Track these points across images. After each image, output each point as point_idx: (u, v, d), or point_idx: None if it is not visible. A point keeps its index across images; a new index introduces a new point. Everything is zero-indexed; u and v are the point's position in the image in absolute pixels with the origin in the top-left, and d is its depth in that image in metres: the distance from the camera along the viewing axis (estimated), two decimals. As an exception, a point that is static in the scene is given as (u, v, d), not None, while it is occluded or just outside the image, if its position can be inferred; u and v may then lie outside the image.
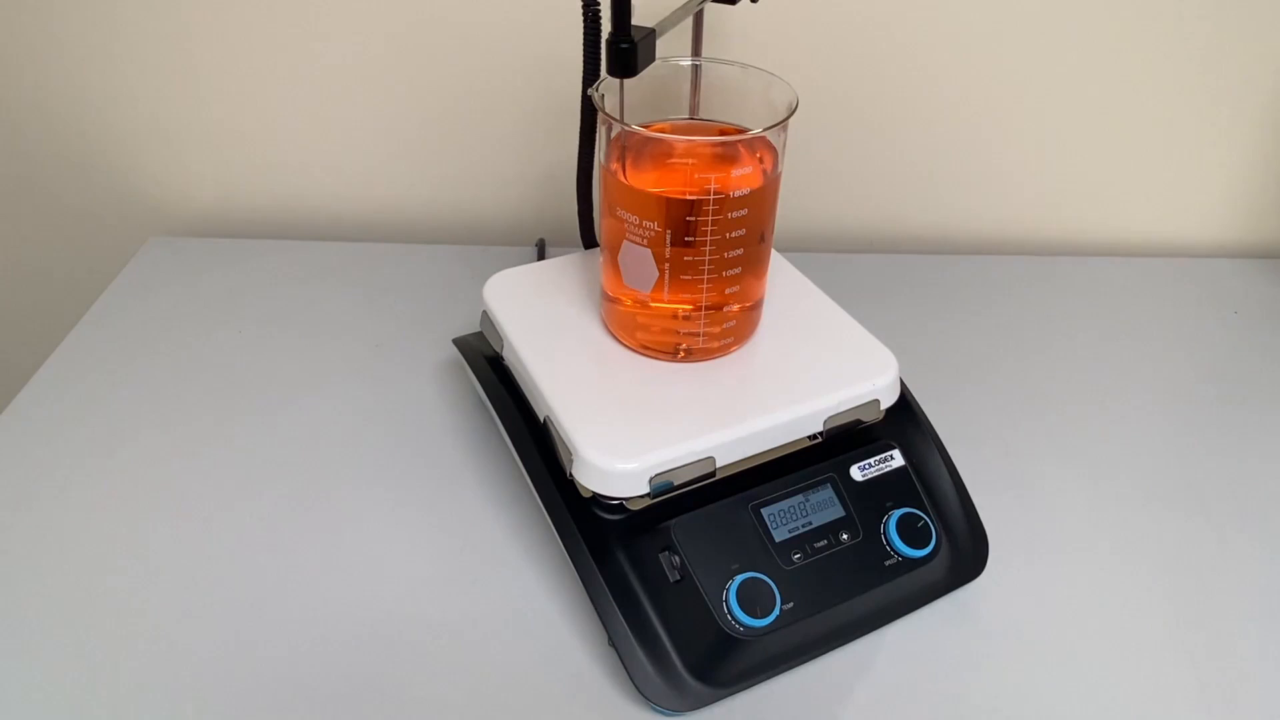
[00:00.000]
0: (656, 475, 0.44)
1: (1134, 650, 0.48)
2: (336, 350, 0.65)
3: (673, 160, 0.49)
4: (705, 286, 0.48)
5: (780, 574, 0.46)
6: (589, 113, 0.52)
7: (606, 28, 0.43)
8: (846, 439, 0.50)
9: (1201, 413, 0.63)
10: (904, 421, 0.52)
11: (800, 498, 0.48)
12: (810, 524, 0.47)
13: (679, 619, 0.44)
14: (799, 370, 0.50)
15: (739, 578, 0.45)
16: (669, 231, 0.46)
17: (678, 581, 0.45)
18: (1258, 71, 0.72)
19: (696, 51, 0.53)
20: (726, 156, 0.49)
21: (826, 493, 0.48)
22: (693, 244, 0.46)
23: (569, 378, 0.49)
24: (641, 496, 0.45)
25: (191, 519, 0.53)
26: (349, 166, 0.77)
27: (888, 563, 0.47)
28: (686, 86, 0.52)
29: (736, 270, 0.48)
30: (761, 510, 0.47)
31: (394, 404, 0.61)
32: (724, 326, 0.50)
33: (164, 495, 0.54)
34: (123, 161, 0.77)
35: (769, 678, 0.45)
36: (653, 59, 0.45)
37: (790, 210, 0.77)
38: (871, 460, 0.50)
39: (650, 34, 0.44)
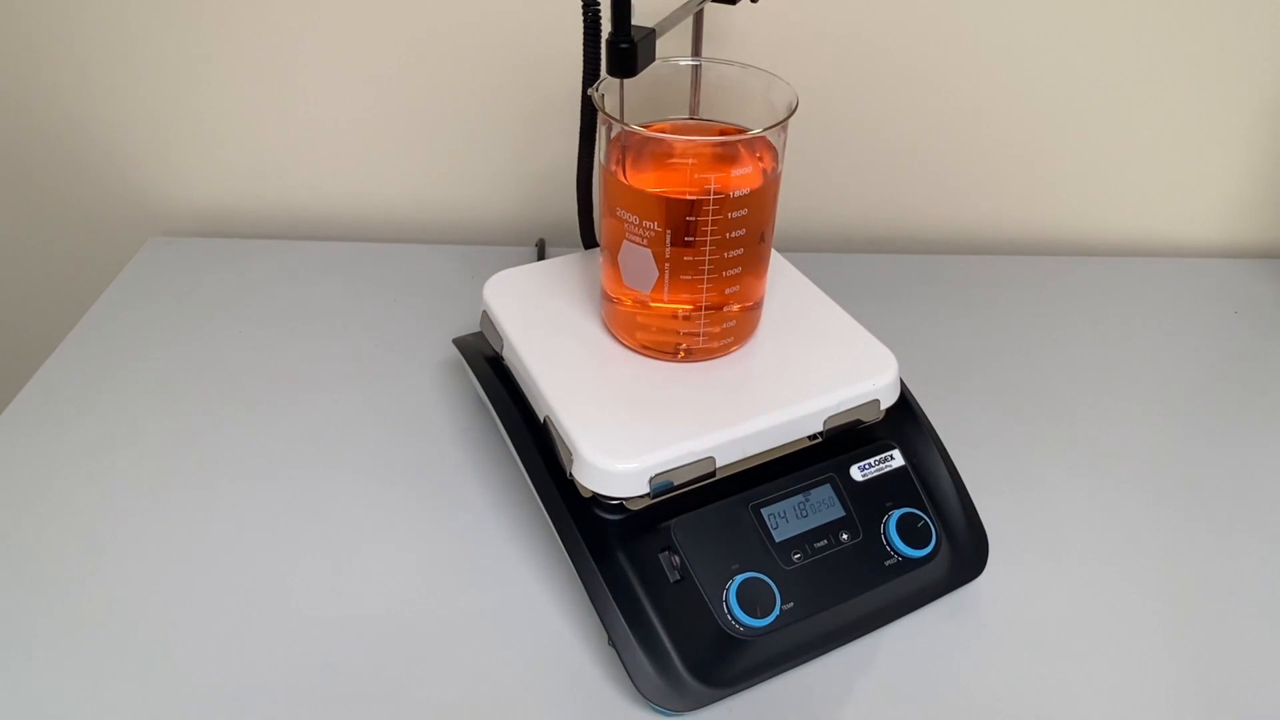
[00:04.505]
0: (656, 475, 0.44)
1: (1134, 650, 0.48)
2: (336, 350, 0.65)
3: (673, 160, 0.49)
4: (705, 286, 0.48)
5: (780, 574, 0.46)
6: (589, 113, 0.52)
7: (606, 28, 0.43)
8: (846, 439, 0.50)
9: (1201, 413, 0.63)
10: (904, 421, 0.52)
11: (800, 498, 0.48)
12: (810, 524, 0.47)
13: (679, 619, 0.44)
14: (799, 370, 0.50)
15: (739, 578, 0.45)
16: (669, 231, 0.46)
17: (678, 581, 0.45)
18: (1258, 71, 0.72)
19: (696, 51, 0.53)
20: (726, 156, 0.49)
21: (826, 493, 0.48)
22: (693, 244, 0.46)
23: (569, 378, 0.49)
24: (641, 496, 0.45)
25: (191, 519, 0.53)
26: (349, 167, 0.77)
27: (888, 563, 0.47)
28: (686, 86, 0.52)
29: (736, 270, 0.48)
30: (761, 510, 0.47)
31: (394, 404, 0.61)
32: (724, 326, 0.50)
33: (164, 496, 0.54)
34: (122, 161, 0.77)
35: (769, 678, 0.45)
36: (653, 59, 0.45)
37: (790, 210, 0.77)
38: (871, 460, 0.50)
39: (650, 34, 0.44)
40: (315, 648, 0.47)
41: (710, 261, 0.47)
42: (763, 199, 0.47)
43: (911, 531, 0.48)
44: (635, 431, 0.46)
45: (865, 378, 0.49)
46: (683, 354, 0.50)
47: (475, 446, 0.58)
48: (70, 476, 0.55)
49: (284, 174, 0.77)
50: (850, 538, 0.48)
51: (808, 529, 0.47)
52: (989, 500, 0.52)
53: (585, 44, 0.47)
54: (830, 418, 0.48)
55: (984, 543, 0.50)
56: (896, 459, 0.51)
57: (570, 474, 0.46)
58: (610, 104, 0.47)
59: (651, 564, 0.45)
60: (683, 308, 0.49)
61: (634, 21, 0.43)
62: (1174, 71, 0.72)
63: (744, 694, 0.45)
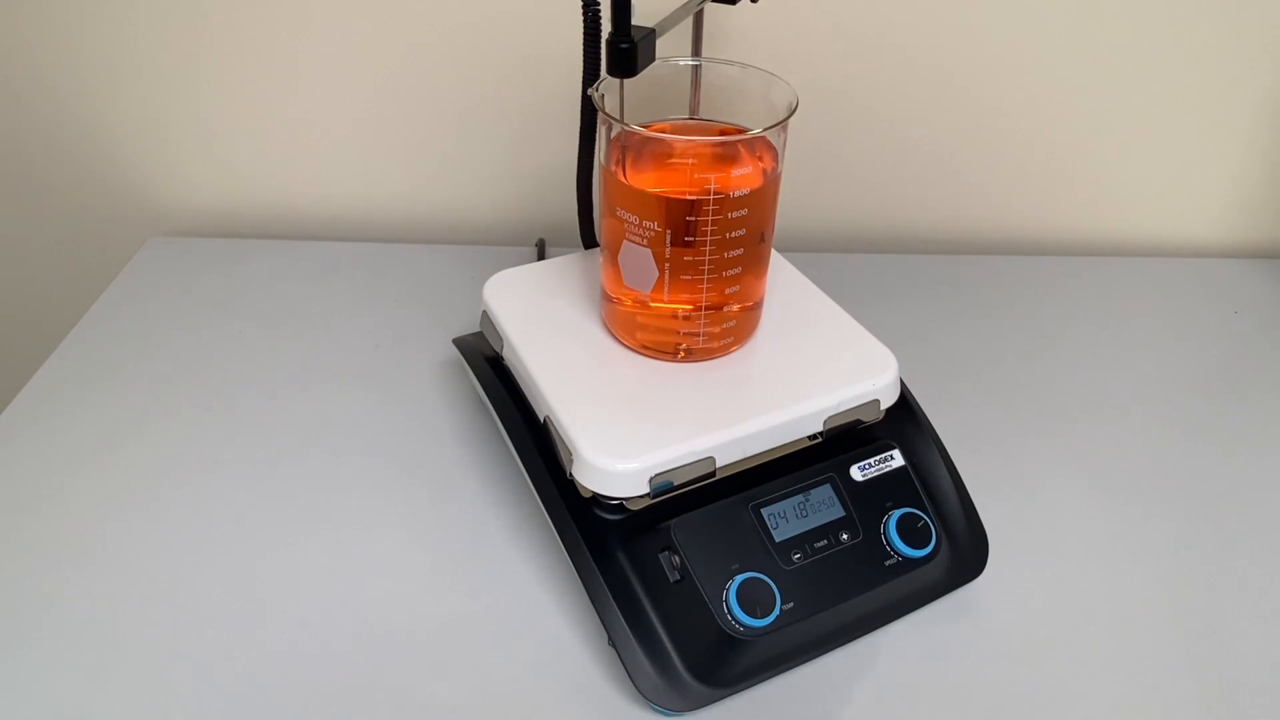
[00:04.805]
0: (656, 475, 0.44)
1: (1134, 650, 0.48)
2: (336, 350, 0.65)
3: (673, 160, 0.49)
4: (705, 286, 0.48)
5: (780, 574, 0.46)
6: (589, 113, 0.52)
7: (606, 28, 0.43)
8: (846, 439, 0.50)
9: (1201, 413, 0.63)
10: (904, 421, 0.52)
11: (800, 498, 0.48)
12: (810, 524, 0.47)
13: (679, 619, 0.44)
14: (799, 370, 0.50)
15: (739, 578, 0.45)
16: (669, 231, 0.46)
17: (678, 581, 0.45)
18: (1258, 72, 0.72)
19: (696, 51, 0.53)
20: (726, 156, 0.49)
21: (826, 493, 0.48)
22: (693, 244, 0.46)
23: (569, 378, 0.49)
24: (641, 496, 0.45)
25: (191, 519, 0.53)
26: (349, 167, 0.77)
27: (888, 563, 0.47)
28: (686, 86, 0.52)
29: (736, 270, 0.48)
30: (761, 510, 0.47)
31: (394, 404, 0.61)
32: (724, 326, 0.50)
33: (163, 495, 0.54)
34: (123, 161, 0.77)
35: (769, 678, 0.45)
36: (653, 59, 0.45)
37: (790, 210, 0.77)
38: (871, 460, 0.50)
39: (650, 34, 0.44)
40: (315, 647, 0.47)
41: (710, 261, 0.47)
42: (763, 199, 0.47)
43: (911, 531, 0.48)
44: (635, 431, 0.46)
45: (865, 378, 0.49)
46: (683, 354, 0.50)
47: (475, 446, 0.58)
48: (70, 476, 0.55)
49: (284, 174, 0.77)
50: (850, 538, 0.48)
51: (808, 529, 0.47)
52: (989, 500, 0.52)
53: (585, 44, 0.47)
54: (830, 418, 0.48)
55: (984, 543, 0.50)
56: (896, 459, 0.51)
57: (570, 474, 0.46)
58: (610, 104, 0.47)
59: (651, 564, 0.45)
60: (683, 308, 0.49)
61: (634, 21, 0.43)
62: (1174, 71, 0.72)
63: (744, 694, 0.45)
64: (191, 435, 0.58)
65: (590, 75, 0.48)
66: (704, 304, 0.48)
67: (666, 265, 0.47)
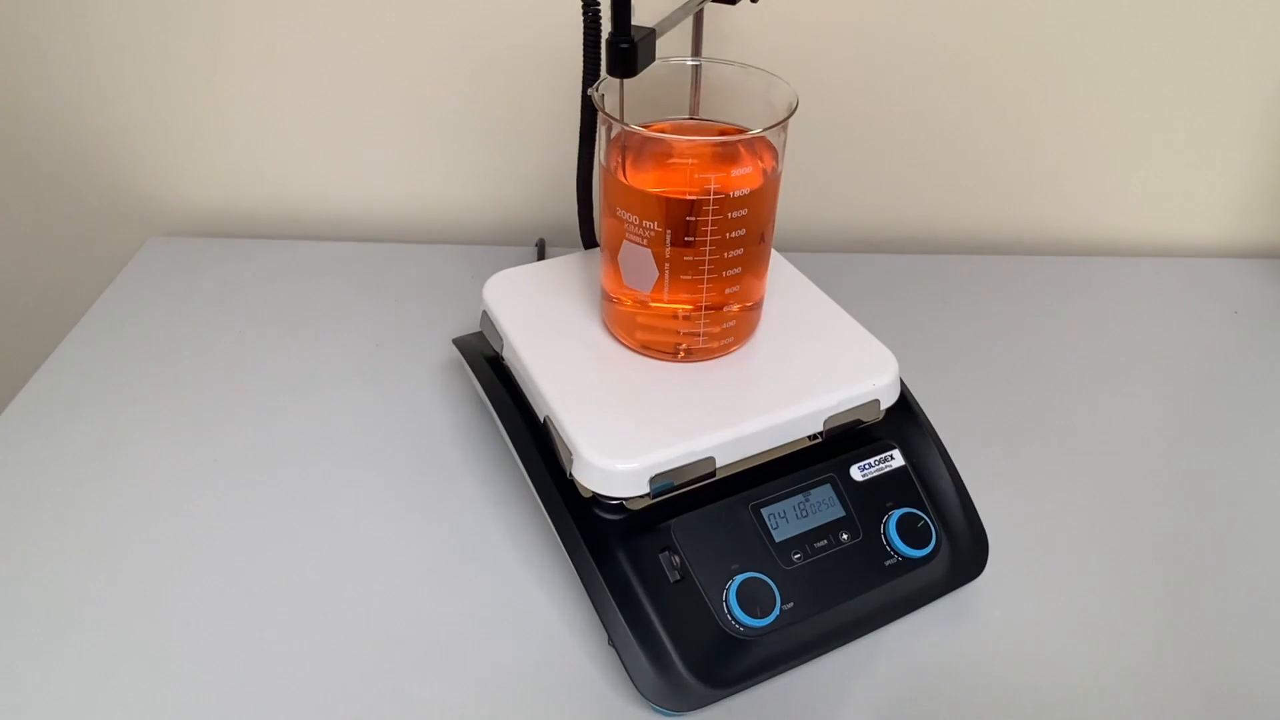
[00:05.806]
0: (656, 475, 0.44)
1: (1134, 650, 0.48)
2: (336, 350, 0.65)
3: (673, 160, 0.49)
4: (705, 286, 0.48)
5: (780, 574, 0.46)
6: (589, 113, 0.52)
7: (606, 28, 0.43)
8: (846, 439, 0.50)
9: (1201, 413, 0.63)
10: (904, 421, 0.52)
11: (800, 498, 0.48)
12: (810, 524, 0.47)
13: (679, 619, 0.44)
14: (799, 370, 0.50)
15: (739, 578, 0.45)
16: (669, 231, 0.46)
17: (678, 581, 0.45)
18: (1258, 71, 0.72)
19: (696, 51, 0.53)
20: (726, 156, 0.49)
21: (826, 493, 0.48)
22: (693, 244, 0.46)
23: (569, 378, 0.49)
24: (641, 496, 0.45)
25: (191, 519, 0.53)
26: (349, 167, 0.77)
27: (888, 563, 0.47)
28: (686, 86, 0.52)
29: (736, 270, 0.48)
30: (761, 510, 0.47)
31: (394, 404, 0.61)
32: (724, 326, 0.50)
33: (163, 495, 0.54)
34: (122, 161, 0.77)
35: (769, 678, 0.45)
36: (653, 59, 0.45)
37: (790, 210, 0.77)
38: (871, 460, 0.50)
39: (650, 34, 0.44)
40: (314, 647, 0.47)
41: (710, 261, 0.47)
42: (763, 199, 0.47)
43: (911, 531, 0.48)
44: (635, 431, 0.46)
45: (865, 378, 0.49)
46: (683, 354, 0.50)
47: (475, 446, 0.58)
48: (70, 476, 0.55)
49: (284, 174, 0.77)
50: (850, 538, 0.48)
51: (808, 529, 0.47)
52: (989, 500, 0.52)
53: (585, 44, 0.47)
54: (830, 418, 0.48)
55: (984, 543, 0.50)
56: (896, 459, 0.51)
57: (570, 474, 0.46)
58: (610, 104, 0.47)
59: (651, 564, 0.45)
60: (683, 308, 0.49)
61: (634, 21, 0.43)
62: (1175, 71, 0.72)
63: (744, 694, 0.45)
64: (191, 435, 0.58)
65: (590, 75, 0.48)
66: (704, 304, 0.48)
67: (666, 265, 0.47)
